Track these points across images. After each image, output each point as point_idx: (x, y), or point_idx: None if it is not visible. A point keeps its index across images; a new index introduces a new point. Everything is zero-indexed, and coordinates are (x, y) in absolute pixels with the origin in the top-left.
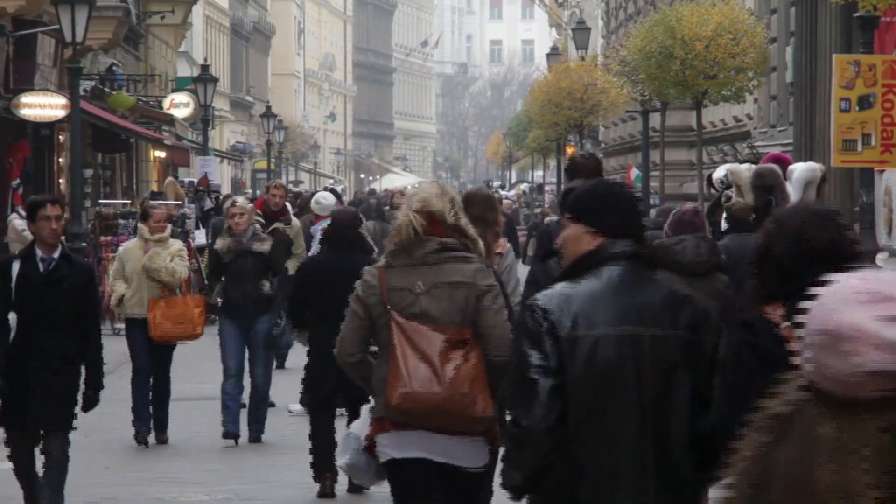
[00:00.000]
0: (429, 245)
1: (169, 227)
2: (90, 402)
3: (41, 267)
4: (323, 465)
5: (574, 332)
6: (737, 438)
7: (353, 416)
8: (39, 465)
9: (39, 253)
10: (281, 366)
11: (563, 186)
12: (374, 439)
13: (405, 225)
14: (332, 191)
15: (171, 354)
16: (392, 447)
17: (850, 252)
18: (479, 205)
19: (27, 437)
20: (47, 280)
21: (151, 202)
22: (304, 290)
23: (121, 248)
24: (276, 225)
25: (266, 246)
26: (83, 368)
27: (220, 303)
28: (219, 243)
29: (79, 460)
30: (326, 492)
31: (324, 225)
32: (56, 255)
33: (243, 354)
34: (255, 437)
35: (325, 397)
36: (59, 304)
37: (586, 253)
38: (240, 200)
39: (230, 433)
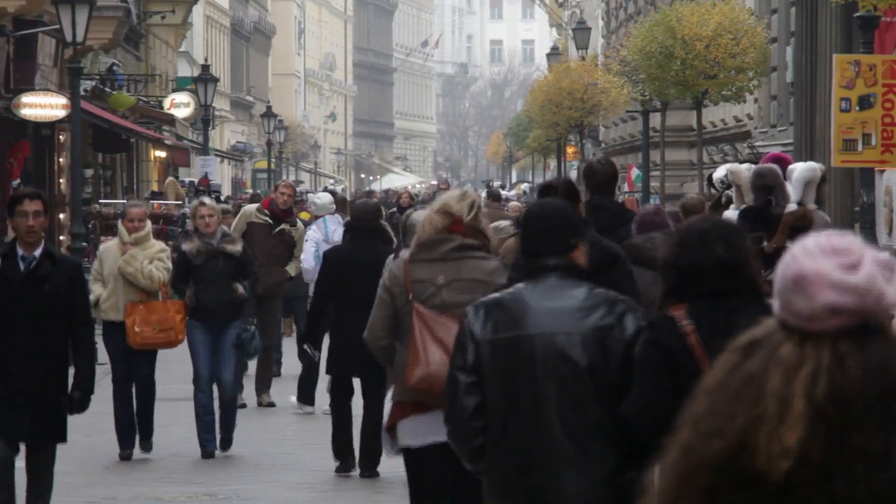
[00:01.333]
0: (452, 243)
1: (149, 226)
2: (77, 405)
3: (22, 266)
4: (343, 446)
5: (487, 336)
6: (650, 427)
7: (369, 403)
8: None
9: (20, 251)
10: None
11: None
12: (396, 424)
13: (427, 223)
14: (333, 192)
15: (154, 358)
16: (411, 436)
17: (742, 261)
18: None
19: (7, 446)
20: (28, 280)
21: (130, 201)
22: (326, 280)
23: (101, 246)
24: (283, 226)
25: (237, 247)
26: (71, 374)
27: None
28: (187, 246)
29: (79, 460)
30: (346, 469)
31: (313, 226)
32: (37, 253)
33: (214, 362)
34: (224, 445)
35: (346, 381)
36: (41, 306)
37: (521, 269)
38: (208, 200)
39: (209, 452)
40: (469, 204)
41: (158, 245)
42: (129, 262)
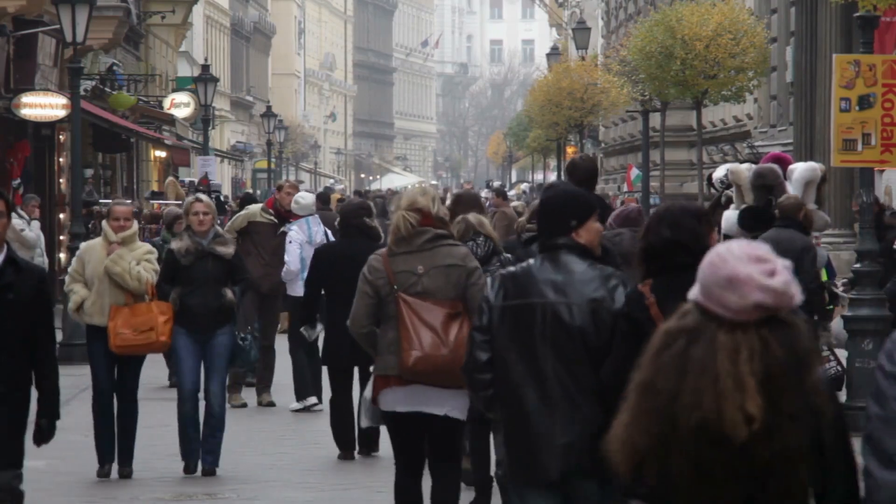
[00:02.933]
0: (425, 235)
1: (135, 226)
2: (43, 435)
3: None
4: (342, 432)
5: (498, 302)
6: (619, 389)
7: (365, 381)
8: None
9: None
10: (250, 383)
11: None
12: (381, 393)
13: (402, 222)
14: (325, 193)
15: (139, 371)
16: (395, 403)
17: (688, 240)
18: (466, 204)
19: None
20: None
21: (115, 200)
22: (317, 275)
23: (82, 245)
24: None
25: (230, 249)
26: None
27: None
28: (176, 244)
29: (79, 460)
30: (346, 456)
31: (295, 227)
32: (0, 258)
33: (200, 371)
34: (209, 469)
35: (341, 367)
36: (3, 317)
37: (540, 246)
38: (205, 197)
39: (192, 467)
40: (433, 198)
41: (145, 246)
42: (116, 262)
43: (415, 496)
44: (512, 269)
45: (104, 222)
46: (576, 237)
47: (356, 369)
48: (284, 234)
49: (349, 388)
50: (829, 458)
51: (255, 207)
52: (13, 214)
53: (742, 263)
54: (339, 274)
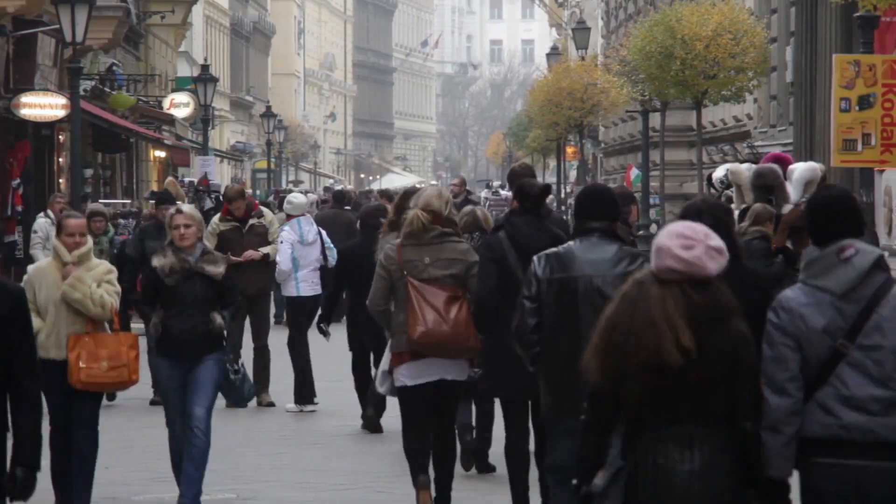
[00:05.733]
0: (434, 232)
1: (90, 242)
2: (20, 487)
3: None
4: (370, 422)
5: (545, 276)
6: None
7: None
8: None
9: None
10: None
11: (565, 187)
12: (395, 369)
13: (415, 219)
14: (341, 193)
15: (98, 404)
16: (408, 377)
17: (723, 229)
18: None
19: None
20: None
21: (66, 212)
22: (344, 273)
23: (30, 267)
24: (251, 221)
25: (220, 269)
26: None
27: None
28: (158, 261)
29: None
30: (370, 425)
31: (287, 227)
32: None
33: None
34: None
35: (361, 348)
36: None
37: (576, 230)
38: (187, 208)
39: None
40: (445, 201)
41: (104, 265)
42: (75, 287)
43: (423, 447)
44: (555, 249)
45: (55, 240)
46: (611, 224)
47: (372, 354)
48: (252, 228)
49: (368, 365)
50: (743, 396)
51: (214, 221)
52: (41, 214)
53: (668, 237)
54: (359, 269)
